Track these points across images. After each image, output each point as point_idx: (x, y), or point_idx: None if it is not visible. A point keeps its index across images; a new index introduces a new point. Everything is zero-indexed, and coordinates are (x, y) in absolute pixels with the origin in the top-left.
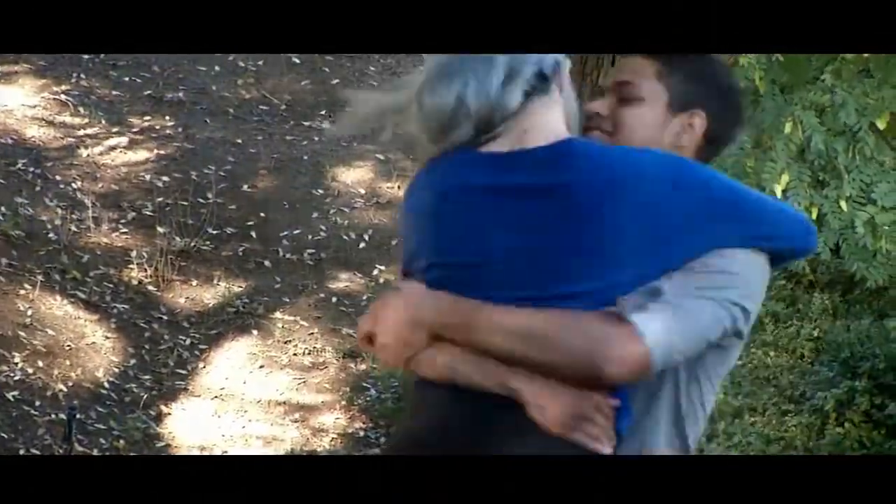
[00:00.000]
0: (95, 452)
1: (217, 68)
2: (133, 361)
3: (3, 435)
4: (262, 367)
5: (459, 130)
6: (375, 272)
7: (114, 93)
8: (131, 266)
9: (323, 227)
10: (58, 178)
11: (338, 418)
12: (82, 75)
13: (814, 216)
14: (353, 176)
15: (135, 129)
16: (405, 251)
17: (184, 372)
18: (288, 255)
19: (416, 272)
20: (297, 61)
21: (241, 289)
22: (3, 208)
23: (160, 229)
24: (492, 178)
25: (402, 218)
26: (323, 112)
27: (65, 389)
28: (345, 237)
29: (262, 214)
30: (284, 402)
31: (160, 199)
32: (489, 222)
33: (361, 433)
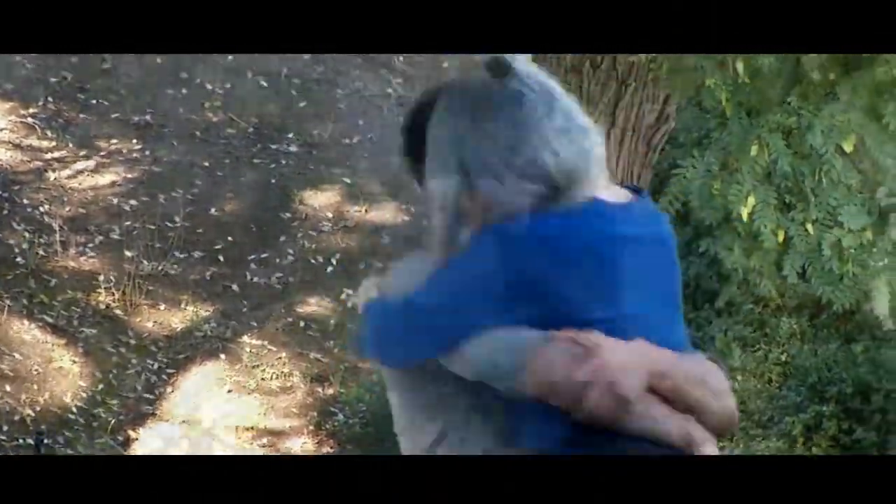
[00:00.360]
0: None
1: (184, 91)
2: (101, 386)
3: None
4: (229, 391)
5: (590, 179)
6: (343, 296)
7: (81, 116)
8: (99, 290)
9: (290, 251)
10: (25, 201)
11: (305, 442)
12: (50, 98)
13: (780, 239)
14: (321, 200)
15: (102, 153)
16: (552, 299)
17: (151, 396)
18: (255, 279)
19: (573, 322)
20: (265, 84)
21: (208, 313)
22: None
23: (128, 253)
24: (630, 229)
25: (551, 266)
26: (290, 135)
27: (32, 414)
28: (312, 261)
29: (229, 238)
30: (252, 427)
31: (128, 223)
32: (643, 271)
33: None
